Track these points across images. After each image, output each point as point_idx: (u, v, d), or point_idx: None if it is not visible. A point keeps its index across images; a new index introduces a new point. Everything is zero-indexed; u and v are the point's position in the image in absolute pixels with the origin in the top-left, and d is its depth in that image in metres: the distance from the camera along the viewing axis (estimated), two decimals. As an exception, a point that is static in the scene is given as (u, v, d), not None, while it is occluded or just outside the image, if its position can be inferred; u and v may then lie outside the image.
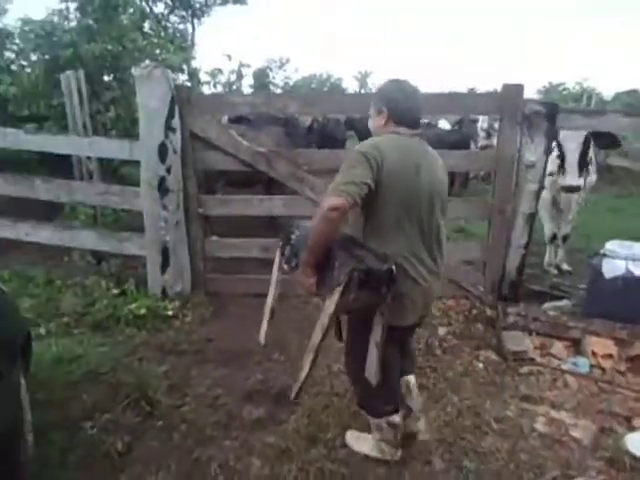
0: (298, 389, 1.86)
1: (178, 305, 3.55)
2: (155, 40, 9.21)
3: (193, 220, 3.65)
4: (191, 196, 3.59)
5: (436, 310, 3.59)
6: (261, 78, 23.12)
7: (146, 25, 10.38)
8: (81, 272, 3.83)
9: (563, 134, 3.75)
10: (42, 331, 3.23)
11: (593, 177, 4.41)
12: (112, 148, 3.54)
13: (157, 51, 8.75)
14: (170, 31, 14.90)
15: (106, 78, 7.65)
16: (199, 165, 3.58)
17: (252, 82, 24.46)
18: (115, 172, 7.63)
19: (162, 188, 3.41)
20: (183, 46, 13.04)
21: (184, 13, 18.39)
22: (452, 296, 3.79)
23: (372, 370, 1.82)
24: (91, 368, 2.82)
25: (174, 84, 3.37)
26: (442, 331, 3.37)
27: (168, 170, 3.40)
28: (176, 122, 3.38)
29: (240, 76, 19.97)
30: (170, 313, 3.45)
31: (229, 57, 17.26)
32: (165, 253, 3.56)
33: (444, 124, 10.30)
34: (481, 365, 3.00)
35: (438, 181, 1.87)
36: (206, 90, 14.95)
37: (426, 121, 10.89)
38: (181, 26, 17.86)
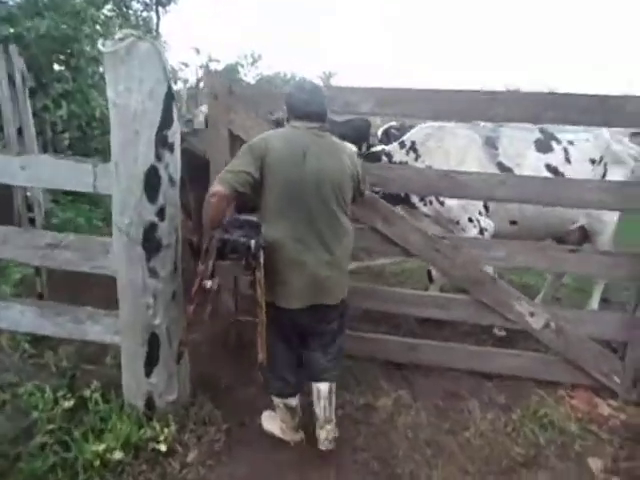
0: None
1: (174, 428, 2.18)
2: (116, 26, 7.72)
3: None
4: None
5: (561, 415, 2.40)
6: (232, 74, 21.53)
7: (105, 9, 8.85)
8: (12, 370, 2.39)
9: None
10: None
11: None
12: (62, 174, 2.12)
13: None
14: (132, 18, 13.21)
15: (57, 67, 6.11)
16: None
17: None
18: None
19: (150, 242, 2.04)
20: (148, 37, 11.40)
21: (147, 0, 16.61)
22: (571, 385, 2.63)
23: (258, 345, 1.90)
24: None
25: (169, 65, 2.01)
26: (596, 465, 2.17)
27: (160, 213, 2.03)
28: (174, 132, 2.02)
29: (208, 72, 18.30)
30: (163, 448, 2.08)
31: (197, 51, 15.16)
32: (153, 344, 2.18)
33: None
34: None
35: (332, 171, 1.91)
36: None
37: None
38: (144, 14, 16.10)
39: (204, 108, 9.58)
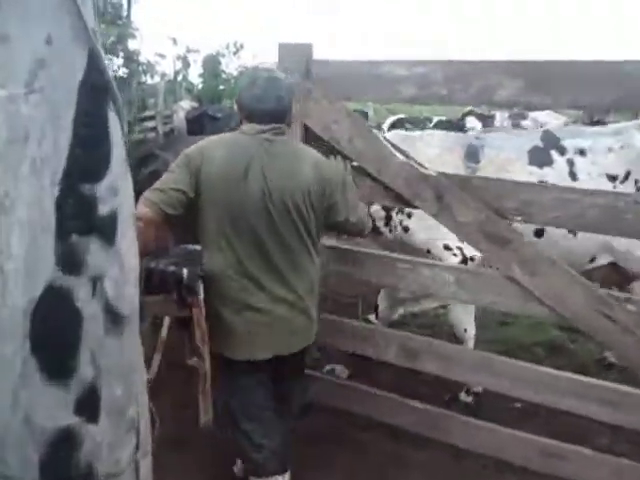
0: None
1: None
2: None
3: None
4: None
5: None
6: (213, 66, 20.07)
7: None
8: None
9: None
10: None
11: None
12: None
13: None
14: (100, 4, 11.74)
15: None
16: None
17: (201, 71, 21.38)
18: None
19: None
20: (118, 23, 10.07)
21: (116, -17, 15.09)
22: None
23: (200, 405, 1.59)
24: None
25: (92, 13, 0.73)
26: None
27: (82, 408, 0.76)
28: (114, 186, 0.74)
29: (187, 64, 16.77)
30: None
31: (174, 41, 13.76)
32: None
33: (473, 121, 8.02)
34: None
35: (284, 189, 1.54)
36: (146, 80, 11.79)
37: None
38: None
39: (184, 104, 8.31)
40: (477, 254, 2.45)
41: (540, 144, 2.53)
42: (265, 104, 1.57)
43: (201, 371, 1.59)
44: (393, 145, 1.88)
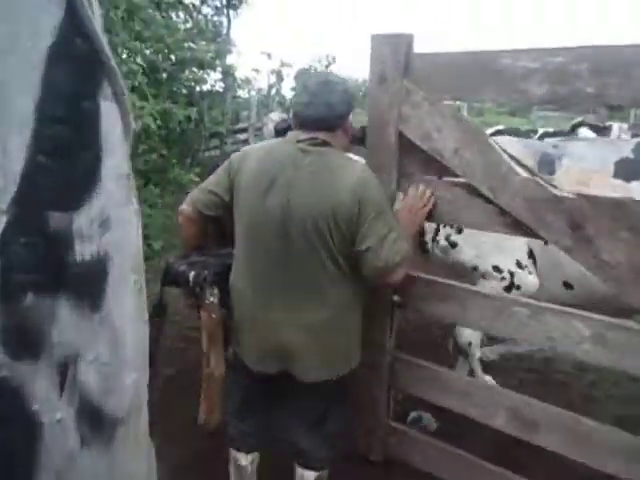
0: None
1: None
2: (181, 27, 6.81)
3: None
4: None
5: None
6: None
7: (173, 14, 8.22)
8: None
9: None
10: None
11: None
12: None
13: (185, 44, 6.28)
14: (202, 23, 12.36)
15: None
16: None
17: (294, 84, 21.93)
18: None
19: None
20: (218, 41, 10.50)
21: (218, 3, 15.91)
22: None
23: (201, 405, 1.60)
24: None
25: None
26: None
27: None
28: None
29: (280, 78, 17.21)
30: None
31: (269, 55, 14.17)
32: None
33: (586, 132, 7.14)
34: None
35: (308, 207, 1.40)
36: (242, 94, 12.21)
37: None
38: (215, 18, 15.39)
39: (274, 115, 8.38)
40: (525, 284, 2.19)
41: (631, 155, 2.27)
42: (313, 110, 1.47)
43: (205, 371, 1.60)
44: (513, 158, 1.47)
